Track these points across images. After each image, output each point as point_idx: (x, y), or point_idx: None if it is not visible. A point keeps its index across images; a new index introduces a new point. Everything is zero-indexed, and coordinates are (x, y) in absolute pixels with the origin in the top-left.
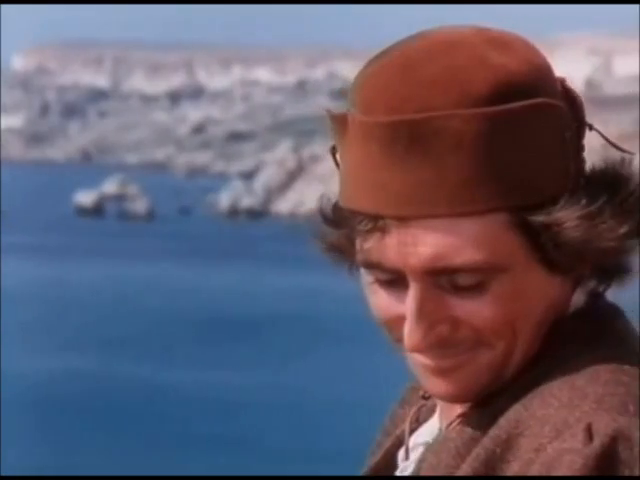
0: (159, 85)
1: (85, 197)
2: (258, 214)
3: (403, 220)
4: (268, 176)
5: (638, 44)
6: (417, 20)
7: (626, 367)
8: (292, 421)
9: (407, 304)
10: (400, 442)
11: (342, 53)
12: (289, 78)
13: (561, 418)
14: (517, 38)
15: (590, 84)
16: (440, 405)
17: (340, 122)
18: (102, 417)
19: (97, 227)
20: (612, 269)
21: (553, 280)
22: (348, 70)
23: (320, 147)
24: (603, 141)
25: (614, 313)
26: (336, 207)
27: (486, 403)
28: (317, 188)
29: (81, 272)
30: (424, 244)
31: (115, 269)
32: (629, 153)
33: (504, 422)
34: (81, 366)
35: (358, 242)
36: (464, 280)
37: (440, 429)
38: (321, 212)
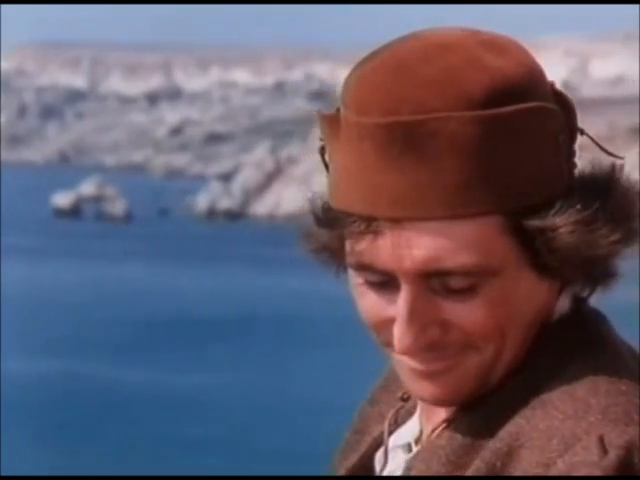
0: (137, 86)
1: (63, 199)
2: (236, 216)
3: (397, 222)
4: (246, 178)
5: (615, 47)
6: (396, 21)
7: (622, 375)
8: (269, 422)
9: (398, 306)
10: (378, 444)
11: (320, 55)
12: (267, 80)
13: (568, 431)
14: (510, 41)
15: (567, 86)
16: (422, 408)
17: (332, 123)
18: (75, 419)
19: (75, 229)
20: (599, 274)
21: (542, 285)
22: (326, 72)
23: (298, 149)
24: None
25: (599, 319)
26: (325, 208)
27: (472, 408)
28: (295, 190)
29: (59, 274)
30: (418, 246)
31: (93, 271)
32: (619, 158)
33: (504, 434)
34: (57, 368)
35: (349, 243)
36: (456, 283)
37: (421, 431)
38: (312, 213)
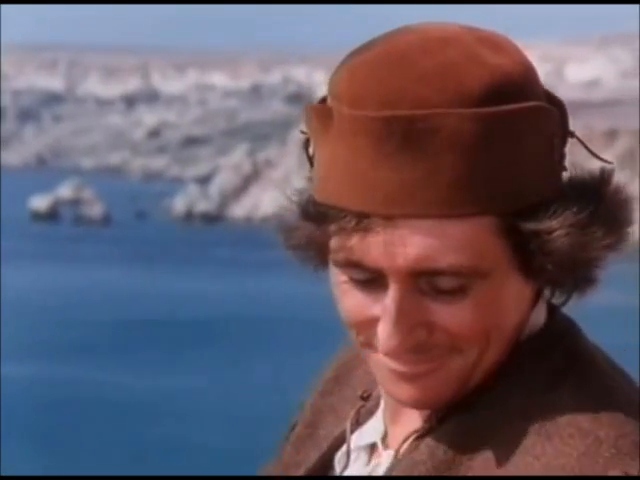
0: (114, 89)
1: (40, 202)
2: (213, 219)
3: (390, 219)
4: (223, 181)
5: (590, 50)
6: (374, 23)
7: (613, 395)
8: (243, 425)
9: (386, 305)
10: (339, 443)
11: (297, 57)
12: (244, 82)
13: (587, 469)
14: (505, 39)
15: None
16: (387, 408)
17: (322, 115)
18: (52, 420)
19: (52, 232)
20: (581, 280)
21: (527, 289)
22: (303, 75)
23: (276, 152)
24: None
25: (575, 330)
26: (311, 202)
27: (449, 417)
28: (272, 193)
29: (35, 277)
30: (410, 244)
31: (70, 274)
32: (608, 163)
33: (512, 469)
34: (34, 371)
35: (337, 240)
36: (446, 283)
37: (386, 431)
38: (298, 206)
